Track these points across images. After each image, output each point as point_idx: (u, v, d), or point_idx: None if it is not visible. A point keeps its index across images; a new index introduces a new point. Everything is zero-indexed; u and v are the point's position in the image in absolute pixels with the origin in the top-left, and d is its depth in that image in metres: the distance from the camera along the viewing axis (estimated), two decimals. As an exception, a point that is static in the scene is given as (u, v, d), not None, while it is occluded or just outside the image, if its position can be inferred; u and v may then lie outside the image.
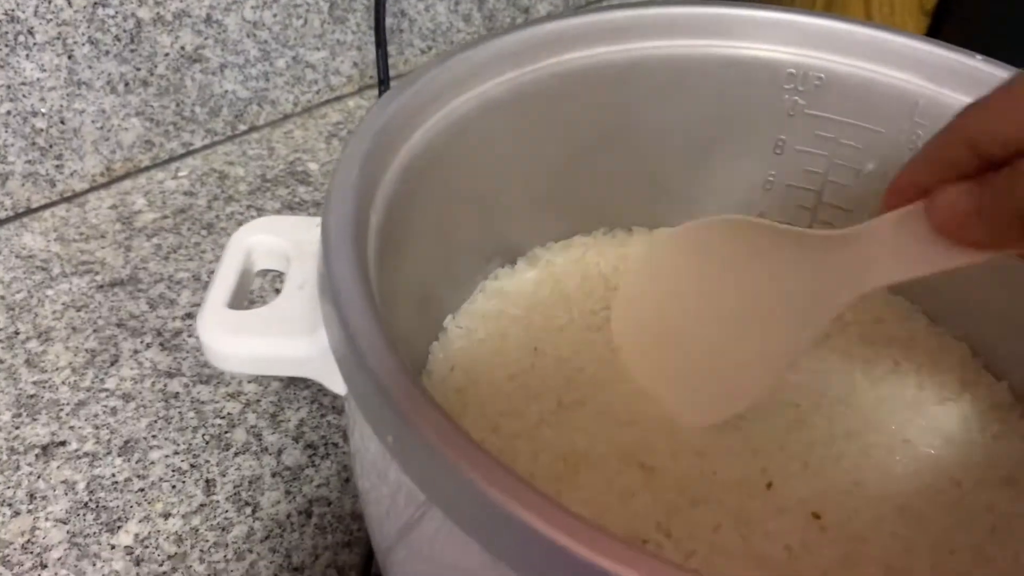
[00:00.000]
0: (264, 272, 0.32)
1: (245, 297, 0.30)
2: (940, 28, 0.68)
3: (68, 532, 0.39)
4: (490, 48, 0.34)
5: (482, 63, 0.33)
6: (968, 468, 0.34)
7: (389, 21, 0.69)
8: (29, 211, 0.56)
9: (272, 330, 0.27)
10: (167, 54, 0.57)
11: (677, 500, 0.31)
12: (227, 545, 0.39)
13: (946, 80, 0.36)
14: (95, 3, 0.52)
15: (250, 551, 0.38)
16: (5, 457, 0.42)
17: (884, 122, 0.37)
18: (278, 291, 0.32)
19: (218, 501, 0.40)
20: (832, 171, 0.40)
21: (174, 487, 0.41)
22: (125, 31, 0.54)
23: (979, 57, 0.35)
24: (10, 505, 0.40)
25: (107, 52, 0.54)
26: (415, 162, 0.31)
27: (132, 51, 0.55)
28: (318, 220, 0.27)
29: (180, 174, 0.61)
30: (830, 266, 0.30)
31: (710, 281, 0.34)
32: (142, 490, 0.41)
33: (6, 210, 0.55)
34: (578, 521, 0.18)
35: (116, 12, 0.53)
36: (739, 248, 0.33)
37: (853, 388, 0.36)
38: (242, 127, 0.65)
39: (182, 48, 0.58)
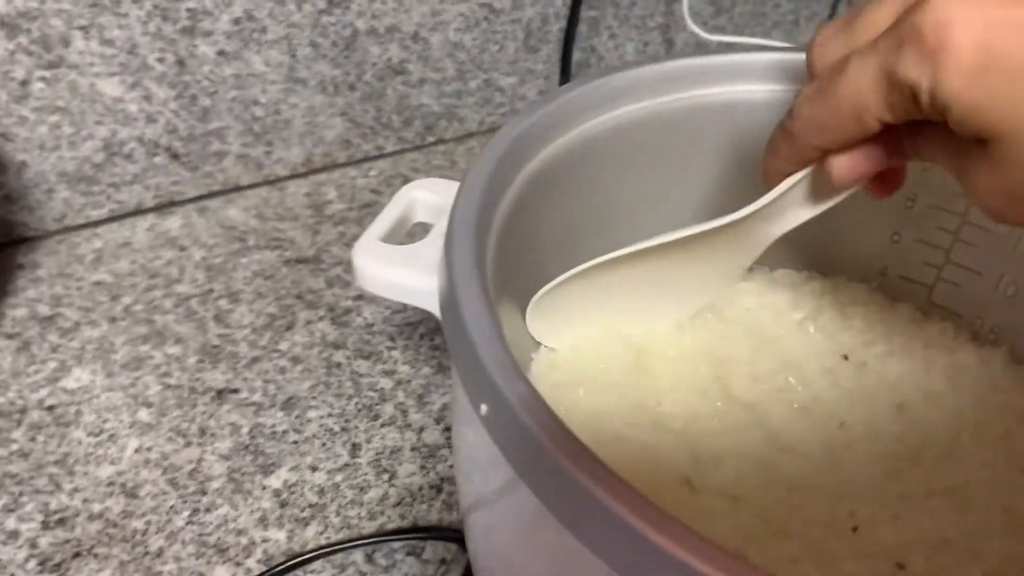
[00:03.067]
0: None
1: (399, 236, 0.34)
2: None
3: (228, 468, 0.43)
4: (629, 76, 0.35)
5: (620, 89, 0.35)
6: None
7: (578, 56, 0.72)
8: (237, 188, 0.62)
9: (407, 263, 0.31)
10: (375, 64, 0.63)
11: (759, 529, 0.31)
12: (363, 504, 0.42)
13: None
14: (320, 10, 0.58)
15: (382, 513, 0.41)
16: (186, 395, 0.47)
17: None
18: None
19: (360, 464, 0.44)
20: (964, 230, 0.39)
21: (324, 445, 0.44)
22: (342, 38, 0.60)
23: None
24: (184, 436, 0.45)
25: (324, 55, 0.60)
26: (547, 171, 0.33)
27: (346, 57, 0.61)
28: None
29: (370, 174, 0.66)
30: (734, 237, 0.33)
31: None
32: (296, 443, 0.45)
33: (219, 184, 0.62)
34: (667, 518, 0.19)
35: (337, 20, 0.60)
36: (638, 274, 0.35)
37: (958, 448, 0.35)
38: (430, 139, 0.70)
39: (389, 60, 0.63)
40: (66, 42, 0.51)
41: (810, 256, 0.43)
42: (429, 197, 0.35)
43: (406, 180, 0.65)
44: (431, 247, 0.32)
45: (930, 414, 0.36)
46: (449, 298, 0.26)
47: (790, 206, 0.33)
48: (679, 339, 0.39)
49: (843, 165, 0.28)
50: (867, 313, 0.41)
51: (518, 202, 0.32)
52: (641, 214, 0.40)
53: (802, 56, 0.37)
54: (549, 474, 0.21)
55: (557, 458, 0.20)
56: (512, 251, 0.31)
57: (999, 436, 0.35)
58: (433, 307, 0.31)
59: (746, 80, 0.38)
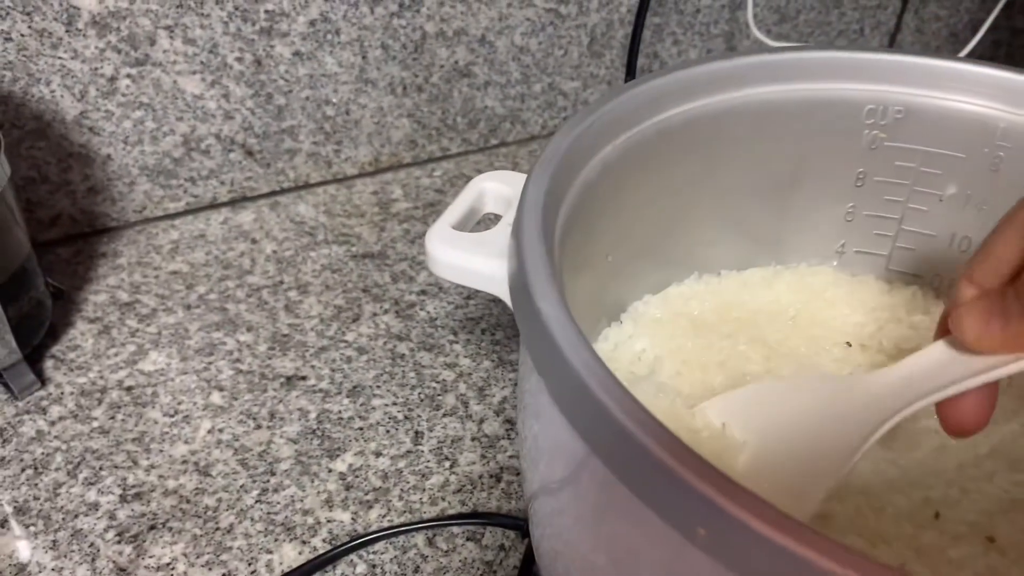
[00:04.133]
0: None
1: (469, 224, 0.35)
2: None
3: (296, 451, 0.45)
4: (694, 73, 0.36)
5: (684, 86, 0.36)
6: None
7: (642, 61, 0.73)
8: (307, 185, 0.64)
9: (476, 250, 0.32)
10: (442, 66, 0.65)
11: (857, 542, 0.31)
12: (424, 490, 0.43)
13: None
14: (392, 13, 0.60)
15: (443, 499, 0.42)
16: (257, 380, 0.48)
17: (965, 148, 0.38)
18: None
19: (423, 451, 0.45)
20: (913, 198, 0.40)
21: (388, 432, 0.46)
22: (412, 41, 0.62)
23: None
24: (255, 419, 0.46)
25: (394, 57, 0.62)
26: (611, 166, 0.34)
27: (414, 59, 0.63)
28: None
29: (434, 174, 0.67)
30: (869, 398, 0.31)
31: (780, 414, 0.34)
32: (361, 429, 0.46)
33: (290, 181, 0.64)
34: (741, 487, 0.19)
35: (407, 23, 0.61)
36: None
37: None
38: (494, 141, 0.71)
39: (456, 62, 0.65)
40: (152, 41, 0.54)
41: (771, 249, 0.44)
42: (499, 188, 0.36)
43: (469, 181, 0.66)
44: (500, 235, 0.33)
45: None
46: (519, 277, 0.27)
47: (926, 376, 0.30)
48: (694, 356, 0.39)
49: (961, 318, 0.28)
50: (840, 295, 0.43)
51: (582, 195, 0.33)
52: (665, 226, 0.41)
53: (732, 61, 0.38)
54: (623, 447, 0.21)
55: (633, 431, 0.21)
56: (575, 244, 0.32)
57: (1007, 385, 0.36)
58: (499, 292, 0.32)
59: (694, 97, 0.38)
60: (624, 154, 0.35)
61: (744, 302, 0.42)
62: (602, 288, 0.39)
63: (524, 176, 0.35)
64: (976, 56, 0.84)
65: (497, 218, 0.35)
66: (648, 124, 0.36)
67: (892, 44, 0.86)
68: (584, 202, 0.34)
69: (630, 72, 0.70)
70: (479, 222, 0.37)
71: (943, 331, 0.30)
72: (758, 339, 0.40)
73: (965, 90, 0.38)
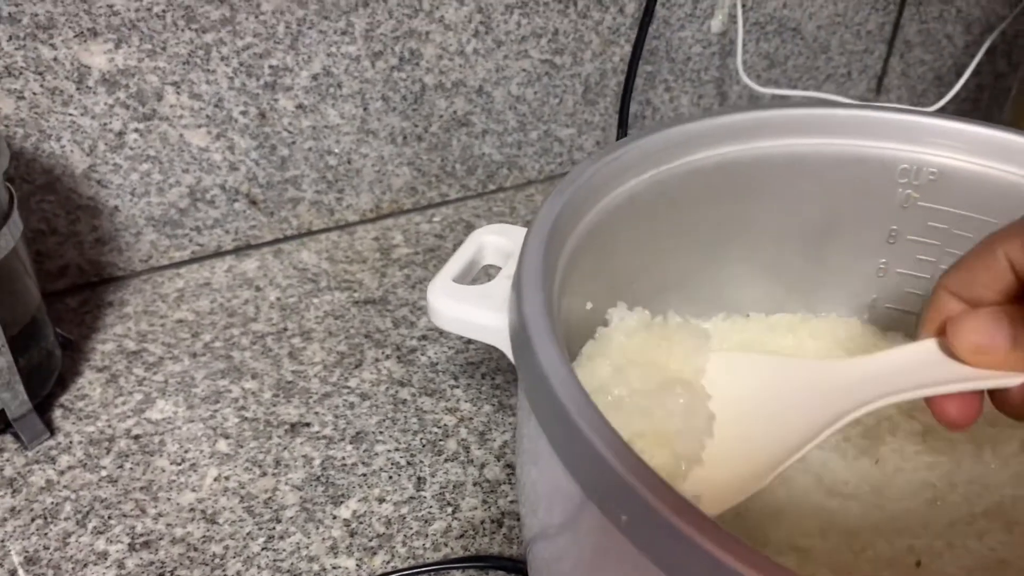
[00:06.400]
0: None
1: (469, 276, 0.36)
2: None
3: (301, 497, 0.45)
4: (636, 148, 0.37)
5: (630, 162, 0.37)
6: None
7: (635, 108, 0.75)
8: (310, 232, 0.66)
9: (477, 302, 0.33)
10: (441, 116, 0.66)
11: None
12: (427, 535, 0.44)
13: None
14: (392, 67, 0.62)
15: (445, 544, 0.43)
16: (262, 427, 0.49)
17: (999, 214, 0.37)
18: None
19: (425, 497, 0.46)
20: (944, 259, 0.41)
21: (391, 478, 0.47)
22: (412, 93, 0.64)
23: None
24: (260, 467, 0.47)
25: (394, 108, 0.64)
26: (576, 252, 0.34)
27: (414, 110, 0.65)
28: None
29: (434, 220, 0.69)
30: (841, 386, 0.32)
31: (741, 394, 0.35)
32: (364, 475, 0.47)
33: (293, 229, 0.65)
34: (735, 539, 0.20)
35: (407, 76, 0.63)
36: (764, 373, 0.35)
37: (984, 467, 0.36)
38: (491, 187, 0.73)
39: (454, 112, 0.67)
40: (159, 96, 0.56)
41: (803, 297, 0.45)
42: (498, 241, 0.37)
43: (468, 226, 0.68)
44: (500, 287, 0.34)
45: (952, 437, 0.38)
46: (521, 335, 0.28)
47: (903, 373, 0.31)
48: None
49: (966, 327, 0.28)
50: (864, 346, 0.43)
51: (578, 249, 0.34)
52: (642, 284, 0.41)
53: (770, 112, 0.39)
54: (622, 498, 0.22)
55: (632, 482, 0.22)
56: (573, 293, 0.33)
57: (1017, 450, 0.37)
58: (499, 343, 0.33)
59: (727, 142, 0.39)
60: (652, 188, 0.37)
61: (764, 343, 0.43)
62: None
63: (521, 230, 0.37)
64: (960, 99, 0.86)
65: (497, 270, 0.37)
66: (678, 163, 0.38)
67: (879, 88, 0.88)
68: (602, 229, 0.35)
69: (623, 118, 0.72)
70: (479, 275, 0.38)
71: (929, 332, 0.30)
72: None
73: (1001, 157, 0.38)
